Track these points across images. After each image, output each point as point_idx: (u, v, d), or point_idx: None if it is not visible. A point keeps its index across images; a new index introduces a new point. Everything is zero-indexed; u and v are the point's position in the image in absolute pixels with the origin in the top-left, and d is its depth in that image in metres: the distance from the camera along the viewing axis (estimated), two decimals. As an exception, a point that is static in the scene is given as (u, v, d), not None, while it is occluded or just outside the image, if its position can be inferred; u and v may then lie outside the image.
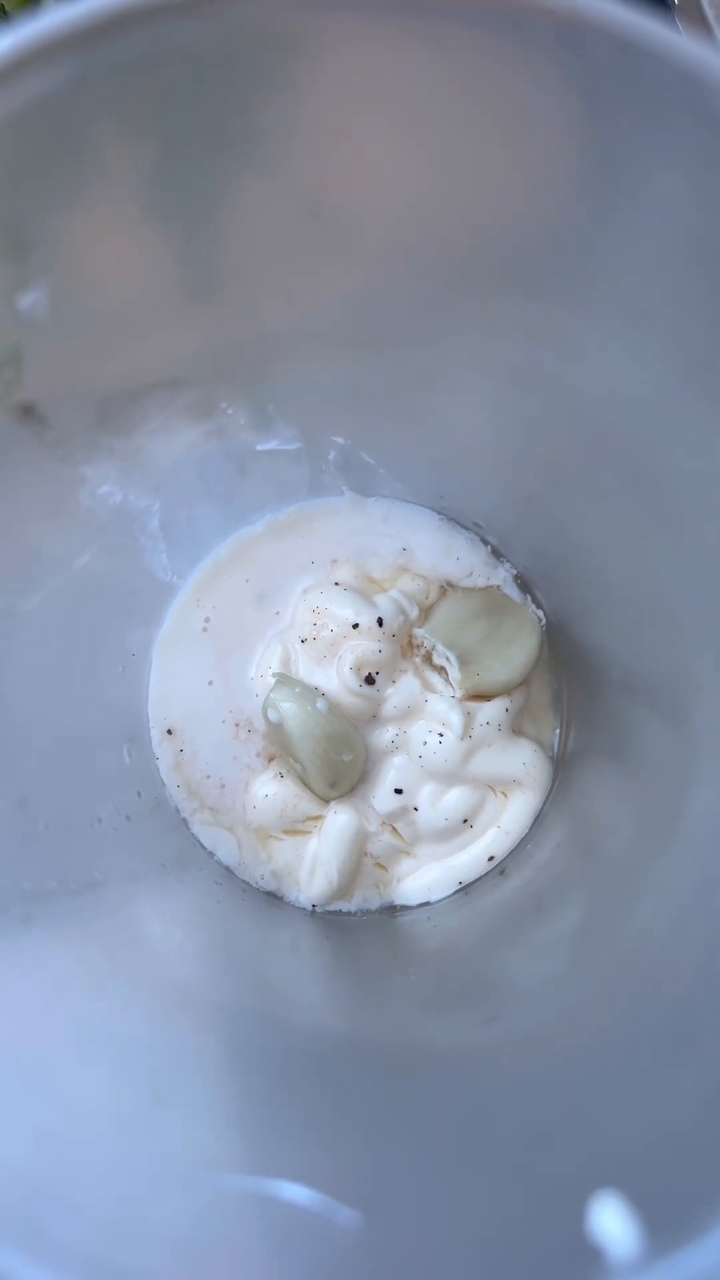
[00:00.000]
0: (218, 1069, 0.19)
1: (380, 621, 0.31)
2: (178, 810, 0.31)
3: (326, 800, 0.31)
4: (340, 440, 0.29)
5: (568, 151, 0.20)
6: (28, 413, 0.23)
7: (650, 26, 0.13)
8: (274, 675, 0.31)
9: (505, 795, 0.32)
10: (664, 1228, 0.12)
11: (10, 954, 0.19)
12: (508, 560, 0.33)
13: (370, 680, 0.31)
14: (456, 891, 0.31)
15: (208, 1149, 0.16)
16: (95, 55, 0.14)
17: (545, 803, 0.32)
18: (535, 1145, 0.16)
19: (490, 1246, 0.13)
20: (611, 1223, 0.12)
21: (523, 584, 0.33)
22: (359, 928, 0.31)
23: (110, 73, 0.14)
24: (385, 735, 0.31)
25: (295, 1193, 0.14)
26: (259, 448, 0.28)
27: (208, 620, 0.32)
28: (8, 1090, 0.15)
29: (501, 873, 0.31)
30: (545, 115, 0.18)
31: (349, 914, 0.31)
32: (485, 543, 0.33)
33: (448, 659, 0.31)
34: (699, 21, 0.37)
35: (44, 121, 0.14)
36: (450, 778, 0.31)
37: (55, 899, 0.21)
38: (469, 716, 0.31)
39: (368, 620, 0.31)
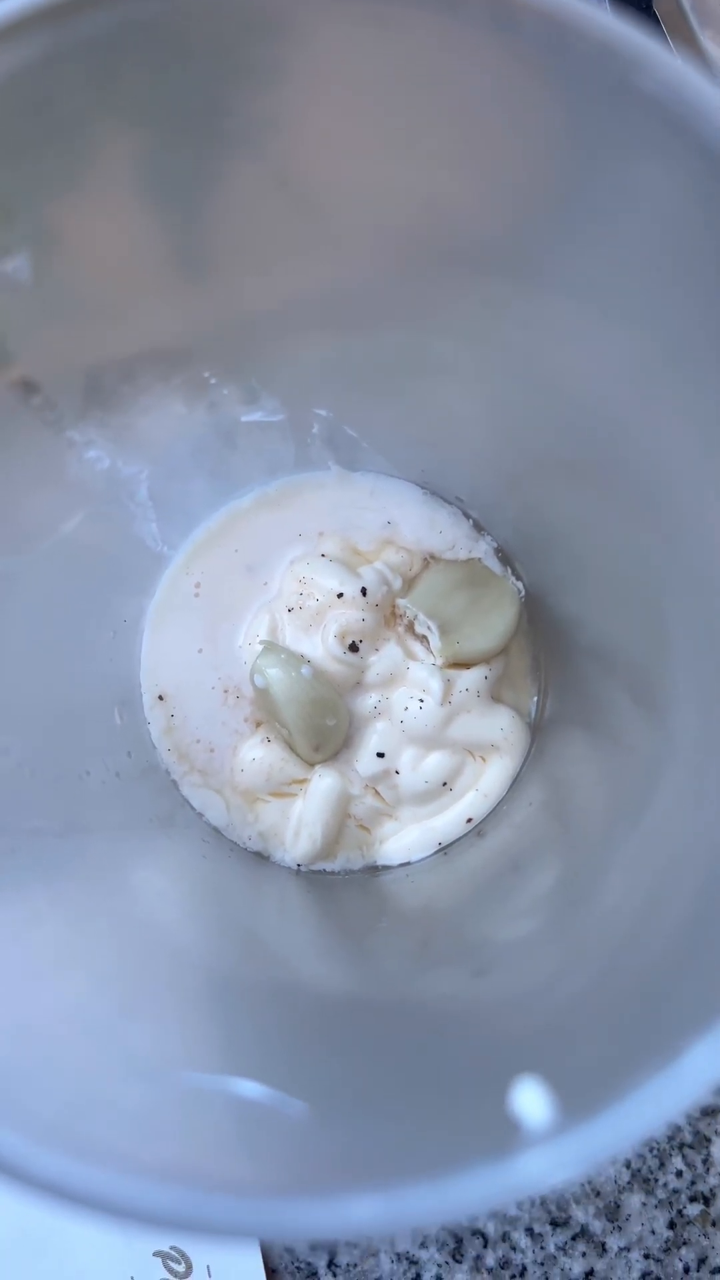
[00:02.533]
0: (191, 995, 0.20)
1: (364, 591, 0.32)
2: (168, 772, 0.33)
3: (311, 764, 0.33)
4: (323, 413, 0.30)
5: (531, 135, 0.21)
6: (21, 386, 0.24)
7: (577, 7, 0.14)
8: (261, 643, 0.32)
9: (484, 759, 0.33)
10: (575, 1105, 0.13)
11: (-7, 879, 0.20)
12: (489, 534, 0.34)
13: (354, 648, 0.32)
14: (436, 852, 0.33)
15: (173, 1054, 0.17)
16: (66, 30, 0.15)
17: (522, 767, 0.33)
18: (477, 1061, 0.17)
19: (423, 1125, 0.14)
20: (529, 1101, 0.13)
21: (503, 557, 0.34)
22: (342, 886, 0.32)
23: (82, 48, 0.16)
24: (368, 701, 0.32)
25: (251, 1089, 0.16)
26: (244, 419, 0.29)
27: (198, 586, 0.33)
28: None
29: (479, 834, 0.33)
30: (499, 97, 0.19)
31: (333, 873, 0.33)
32: (467, 517, 0.34)
33: (429, 628, 0.32)
34: (682, 26, 0.37)
35: (20, 95, 0.16)
36: (430, 742, 0.32)
37: (41, 838, 0.22)
38: (449, 683, 0.32)
39: (352, 590, 0.32)
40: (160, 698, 0.33)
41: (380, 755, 0.32)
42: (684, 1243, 0.33)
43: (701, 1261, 0.33)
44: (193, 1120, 0.15)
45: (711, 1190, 0.33)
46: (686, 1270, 0.33)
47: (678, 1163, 0.34)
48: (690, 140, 0.15)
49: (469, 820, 0.32)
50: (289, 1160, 0.14)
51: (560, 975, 0.24)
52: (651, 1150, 0.34)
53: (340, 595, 0.32)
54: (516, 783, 0.33)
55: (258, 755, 0.32)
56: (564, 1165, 0.12)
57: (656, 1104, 0.13)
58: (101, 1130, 0.14)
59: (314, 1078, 0.17)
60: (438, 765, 0.32)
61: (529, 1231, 0.33)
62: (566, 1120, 0.13)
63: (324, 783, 0.32)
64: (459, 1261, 0.33)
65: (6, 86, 0.15)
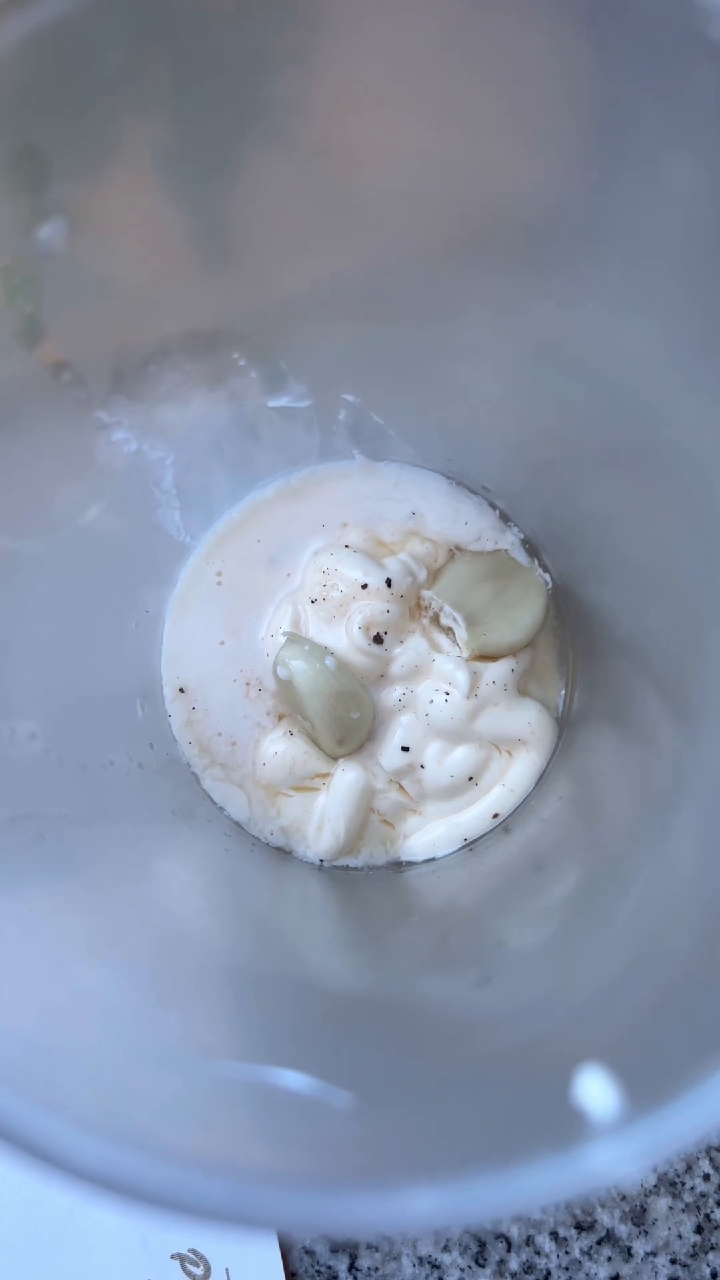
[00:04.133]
0: (219, 984, 0.20)
1: (389, 582, 0.31)
2: (189, 766, 0.32)
3: (335, 758, 0.32)
4: (350, 399, 0.30)
5: (573, 117, 0.20)
6: (52, 364, 0.24)
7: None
8: (284, 634, 0.32)
9: (510, 754, 0.32)
10: (642, 1094, 0.12)
11: (21, 866, 0.20)
12: (515, 524, 0.33)
13: (378, 640, 0.32)
14: (462, 848, 0.32)
15: (207, 1042, 0.17)
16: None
17: (549, 762, 0.32)
18: (521, 1049, 0.17)
19: (479, 1116, 0.14)
20: (595, 1091, 0.13)
21: (530, 548, 0.33)
22: (365, 882, 0.32)
23: (118, 10, 0.15)
24: (393, 694, 0.32)
25: (291, 1079, 0.15)
26: (270, 404, 0.29)
27: (219, 575, 0.33)
28: (17, 974, 0.16)
29: (506, 830, 0.32)
30: (550, 59, 0.19)
31: (355, 869, 0.32)
32: (494, 507, 0.33)
33: (455, 620, 0.32)
34: None
35: (59, 47, 0.15)
36: (456, 736, 0.32)
37: (68, 825, 0.22)
38: (475, 676, 0.32)
39: (376, 581, 0.31)
40: (181, 690, 0.32)
41: (405, 749, 0.32)
42: (711, 1248, 0.33)
43: (730, 1268, 0.33)
44: (233, 1110, 0.15)
45: (740, 1195, 0.33)
46: (714, 1276, 0.33)
47: (705, 1166, 0.33)
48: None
49: (495, 816, 0.32)
50: (335, 1151, 0.14)
51: (593, 970, 0.24)
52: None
53: (365, 586, 0.31)
54: (544, 778, 0.32)
55: (280, 749, 0.32)
56: (633, 1156, 0.12)
57: (727, 1093, 0.12)
58: (141, 1118, 0.13)
59: (354, 1070, 0.16)
60: (464, 760, 0.32)
61: (553, 1235, 0.33)
62: (633, 1109, 0.12)
63: (347, 777, 0.32)
64: (482, 1266, 0.32)
65: (46, 40, 0.15)
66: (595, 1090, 0.13)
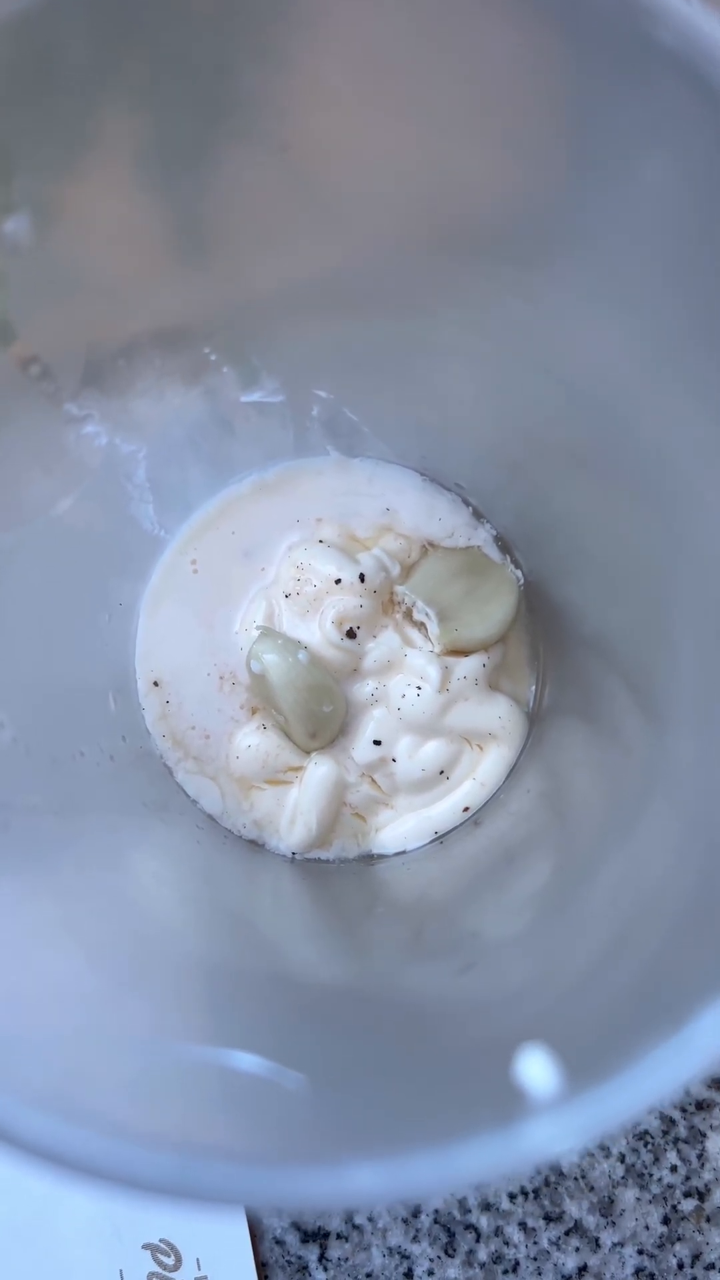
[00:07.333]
0: (187, 972, 0.20)
1: (362, 577, 0.32)
2: (162, 759, 0.32)
3: (307, 751, 0.32)
4: (323, 394, 0.30)
5: (545, 114, 0.21)
6: (21, 360, 0.24)
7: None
8: (258, 628, 0.32)
9: (481, 748, 0.32)
10: (581, 1072, 0.13)
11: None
12: (488, 521, 0.34)
13: (351, 634, 0.32)
14: (432, 841, 0.32)
15: (167, 1026, 0.17)
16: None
17: (520, 756, 0.33)
18: (476, 1039, 0.17)
19: (423, 1097, 0.14)
20: (534, 1069, 0.13)
21: (503, 545, 0.34)
22: (337, 874, 0.32)
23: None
24: (365, 688, 0.32)
25: (247, 1061, 0.15)
26: (243, 399, 0.29)
27: (194, 563, 0.33)
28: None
29: (476, 823, 0.32)
30: (511, 60, 0.19)
31: (327, 862, 0.32)
32: (467, 504, 0.34)
33: (427, 615, 0.32)
34: None
35: (21, 43, 0.15)
36: (428, 730, 0.32)
37: (37, 815, 0.22)
38: (447, 671, 0.32)
39: (350, 576, 0.32)
40: (155, 683, 0.33)
41: (377, 743, 0.32)
42: (678, 1238, 0.33)
43: (695, 1258, 0.33)
44: (188, 1091, 0.15)
45: (706, 1186, 0.33)
46: (680, 1266, 0.33)
47: (672, 1158, 0.33)
48: (713, 101, 0.15)
49: (466, 809, 0.32)
50: (287, 1131, 0.14)
51: (558, 962, 0.24)
52: (646, 1145, 0.33)
53: (338, 581, 0.32)
54: (514, 772, 0.33)
55: (253, 742, 0.32)
56: (569, 1133, 0.12)
57: (663, 1071, 0.13)
58: (95, 1098, 0.14)
59: (310, 1055, 0.17)
60: (435, 753, 0.32)
61: (522, 1226, 0.33)
62: (572, 1088, 0.13)
63: (320, 770, 0.32)
64: (451, 1256, 0.33)
65: (9, 29, 0.15)
66: (534, 1069, 0.13)
